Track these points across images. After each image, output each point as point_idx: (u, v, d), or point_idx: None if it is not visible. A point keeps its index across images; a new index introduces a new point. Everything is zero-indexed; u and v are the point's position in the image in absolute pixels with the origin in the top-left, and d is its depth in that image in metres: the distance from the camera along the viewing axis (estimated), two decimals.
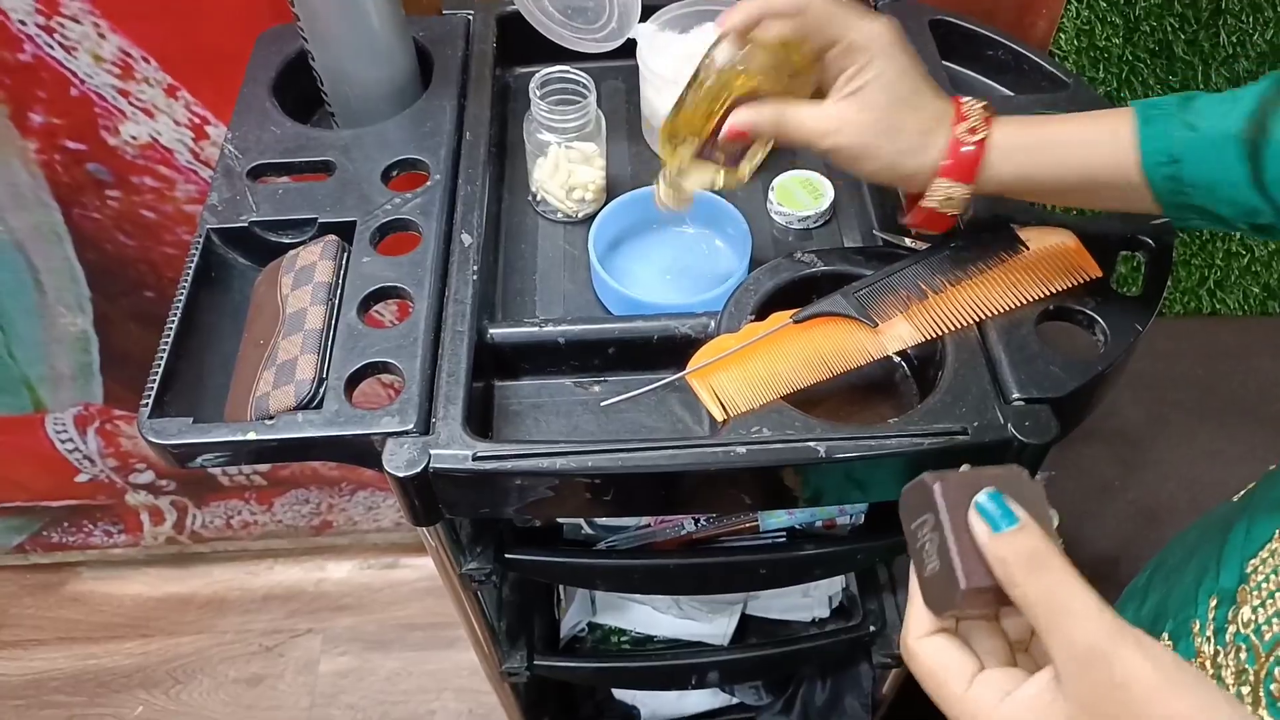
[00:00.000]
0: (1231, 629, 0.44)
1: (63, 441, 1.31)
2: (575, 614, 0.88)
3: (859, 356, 0.56)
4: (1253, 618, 0.43)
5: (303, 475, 1.41)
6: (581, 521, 0.72)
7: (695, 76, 0.54)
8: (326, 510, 1.49)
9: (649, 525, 0.70)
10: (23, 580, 1.55)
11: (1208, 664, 0.46)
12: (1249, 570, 0.44)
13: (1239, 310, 1.12)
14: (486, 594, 0.73)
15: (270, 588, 1.56)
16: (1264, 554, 0.43)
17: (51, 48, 0.81)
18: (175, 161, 0.91)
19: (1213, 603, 0.46)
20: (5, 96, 0.84)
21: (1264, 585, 0.43)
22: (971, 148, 0.52)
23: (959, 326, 0.57)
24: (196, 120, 0.88)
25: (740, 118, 0.52)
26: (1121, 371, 0.59)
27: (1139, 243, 0.62)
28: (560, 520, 0.74)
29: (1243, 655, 0.43)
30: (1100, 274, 0.59)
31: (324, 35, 0.67)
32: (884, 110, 0.51)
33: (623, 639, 0.89)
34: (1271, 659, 0.42)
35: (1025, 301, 0.58)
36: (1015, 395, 0.54)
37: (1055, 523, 0.38)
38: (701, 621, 0.85)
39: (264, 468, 1.39)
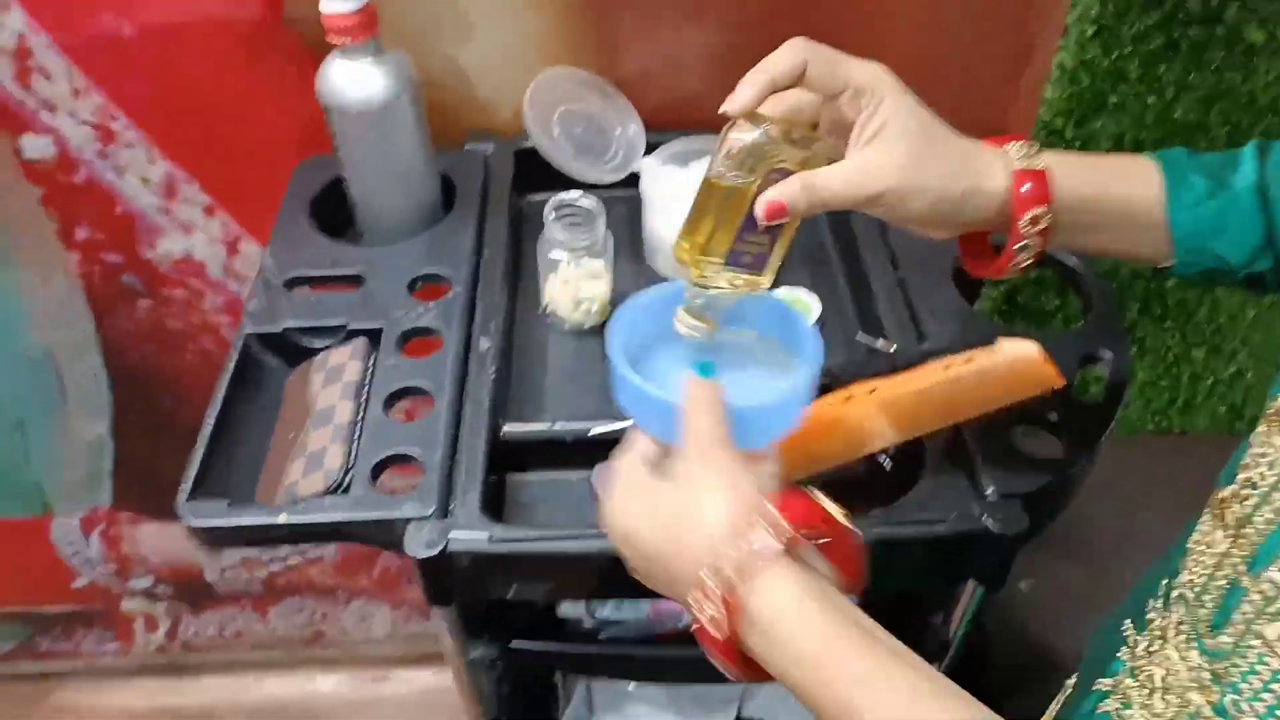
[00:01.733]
0: (1175, 593, 0.49)
1: (66, 545, 1.33)
2: (573, 717, 0.90)
3: (844, 454, 0.61)
4: (1189, 578, 0.48)
5: (299, 582, 1.42)
6: (584, 614, 0.76)
7: (709, 181, 0.51)
8: (320, 620, 1.50)
9: (649, 617, 0.74)
10: (6, 691, 1.53)
11: (1157, 629, 0.51)
12: (1190, 545, 0.49)
13: (1207, 429, 1.18)
14: (488, 690, 0.75)
15: (260, 701, 1.55)
16: (1196, 535, 0.48)
17: (104, 170, 0.88)
18: (206, 274, 0.98)
19: (1164, 582, 0.51)
20: (56, 214, 0.91)
21: (1196, 552, 0.48)
22: (1034, 164, 0.52)
23: (936, 428, 0.62)
24: (231, 237, 0.95)
25: (773, 196, 0.49)
26: (1087, 471, 0.64)
27: (1098, 357, 0.68)
28: (563, 616, 0.77)
29: (1180, 610, 0.48)
30: (1064, 383, 0.65)
31: (360, 168, 0.75)
32: (913, 142, 0.50)
33: None
34: (1200, 607, 0.46)
35: (996, 408, 0.64)
36: (989, 490, 0.59)
37: None
38: None
39: (261, 574, 1.40)
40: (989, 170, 0.52)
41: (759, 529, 0.43)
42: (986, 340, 0.68)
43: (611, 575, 0.59)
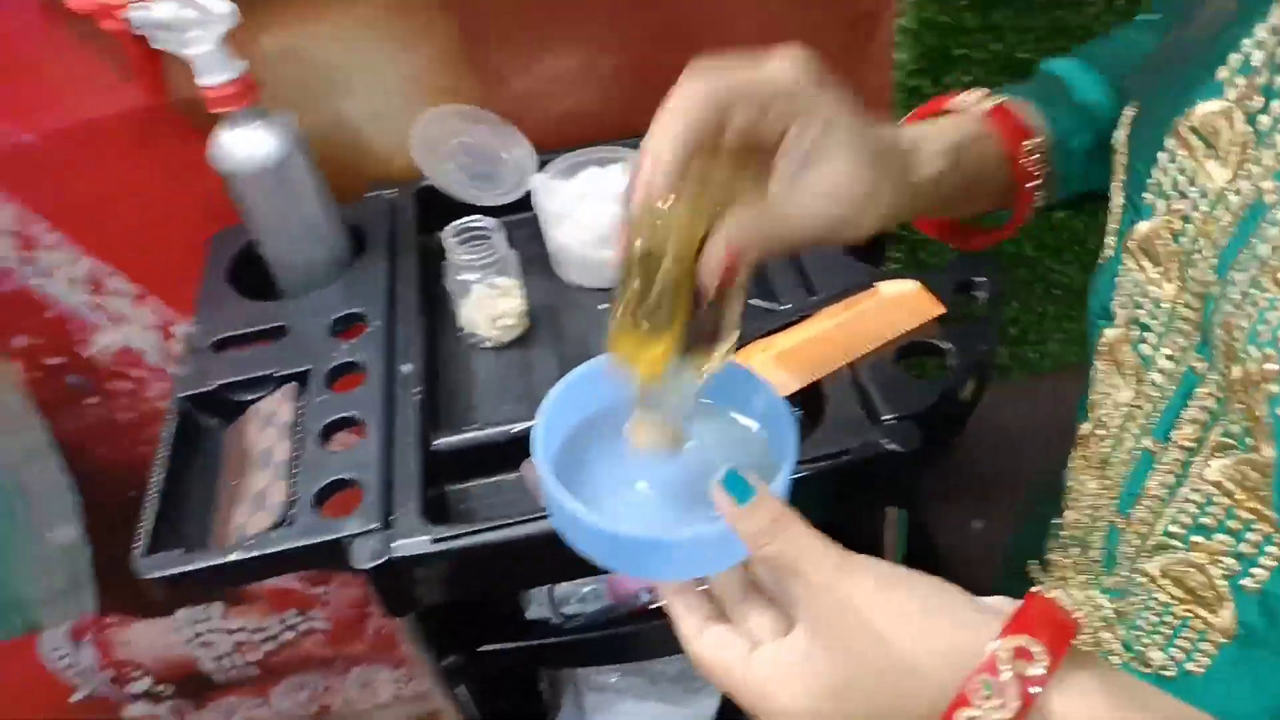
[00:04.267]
0: (1065, 534, 0.53)
1: (59, 659, 1.33)
2: (565, 718, 0.93)
3: None
4: (1074, 518, 0.51)
5: (296, 658, 1.44)
6: (549, 614, 0.79)
7: (632, 262, 0.41)
8: (323, 693, 1.51)
9: (610, 603, 0.77)
10: None
11: (1057, 570, 0.54)
12: (1068, 484, 0.52)
13: None
14: (474, 702, 0.78)
15: None
16: (1070, 472, 0.52)
17: (31, 276, 0.92)
18: (145, 362, 1.01)
19: (1055, 521, 0.54)
20: None
21: (1074, 492, 0.51)
22: (999, 99, 0.51)
23: (832, 370, 0.67)
24: (164, 322, 0.98)
25: (718, 253, 0.40)
26: (981, 390, 0.69)
27: (974, 283, 0.73)
28: (531, 618, 0.81)
29: (1075, 552, 0.52)
30: (944, 310, 0.70)
31: (267, 228, 0.79)
32: (857, 152, 0.42)
33: None
34: (1089, 548, 0.50)
35: (884, 341, 0.68)
36: (885, 415, 0.63)
37: None
38: (684, 706, 0.90)
39: (256, 657, 1.42)
40: (916, 158, 0.48)
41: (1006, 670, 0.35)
42: (869, 286, 0.73)
43: (553, 557, 0.63)
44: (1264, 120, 0.36)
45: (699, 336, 0.42)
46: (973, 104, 0.53)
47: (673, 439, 0.45)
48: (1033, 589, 0.45)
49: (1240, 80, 0.37)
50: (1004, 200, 0.54)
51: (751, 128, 0.41)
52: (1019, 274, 1.09)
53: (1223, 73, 0.37)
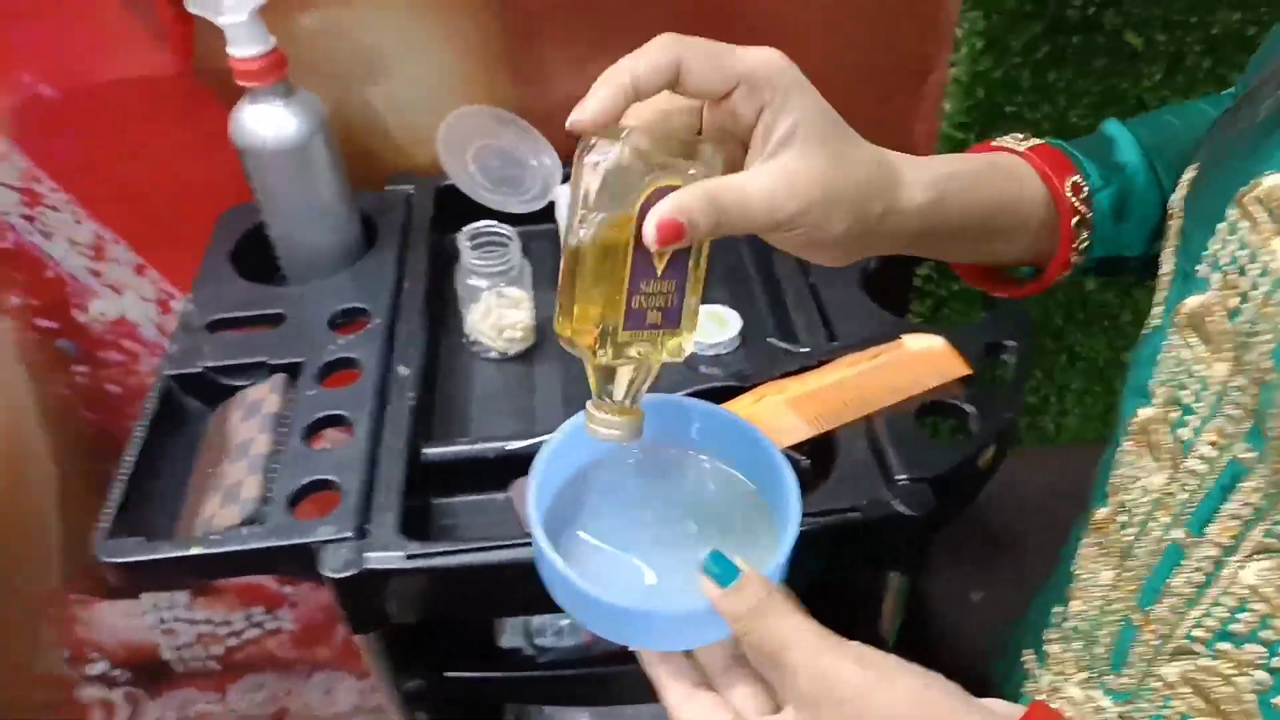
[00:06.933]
0: (1070, 624, 0.49)
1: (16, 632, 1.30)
2: None
3: None
4: (1080, 609, 0.48)
5: (258, 657, 1.40)
6: (523, 644, 0.75)
7: (573, 241, 0.39)
8: (283, 696, 1.46)
9: (586, 642, 0.73)
10: None
11: (1056, 664, 0.50)
12: (1075, 571, 0.49)
13: None
14: None
15: None
16: (1080, 560, 0.48)
17: (31, 234, 0.89)
18: (140, 335, 0.98)
19: (1057, 610, 0.51)
20: None
21: (1083, 580, 0.48)
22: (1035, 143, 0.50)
23: (847, 421, 0.63)
24: (162, 296, 0.96)
25: (666, 211, 0.37)
26: (1000, 458, 0.65)
27: (1002, 347, 0.70)
28: (505, 647, 0.77)
29: (1078, 646, 0.48)
30: (970, 372, 0.66)
31: (277, 208, 0.77)
32: (832, 146, 0.40)
33: None
34: (1095, 644, 0.46)
35: (904, 398, 0.65)
36: (899, 476, 0.60)
37: None
38: None
39: (218, 650, 1.38)
40: (902, 180, 0.43)
41: None
42: (893, 337, 0.69)
43: (533, 587, 0.59)
44: None
45: (651, 322, 0.40)
46: (1016, 143, 0.51)
47: (628, 431, 0.42)
48: (1037, 698, 0.41)
49: None
50: (1039, 248, 0.51)
51: (700, 79, 0.38)
52: (1045, 344, 1.06)
53: None
